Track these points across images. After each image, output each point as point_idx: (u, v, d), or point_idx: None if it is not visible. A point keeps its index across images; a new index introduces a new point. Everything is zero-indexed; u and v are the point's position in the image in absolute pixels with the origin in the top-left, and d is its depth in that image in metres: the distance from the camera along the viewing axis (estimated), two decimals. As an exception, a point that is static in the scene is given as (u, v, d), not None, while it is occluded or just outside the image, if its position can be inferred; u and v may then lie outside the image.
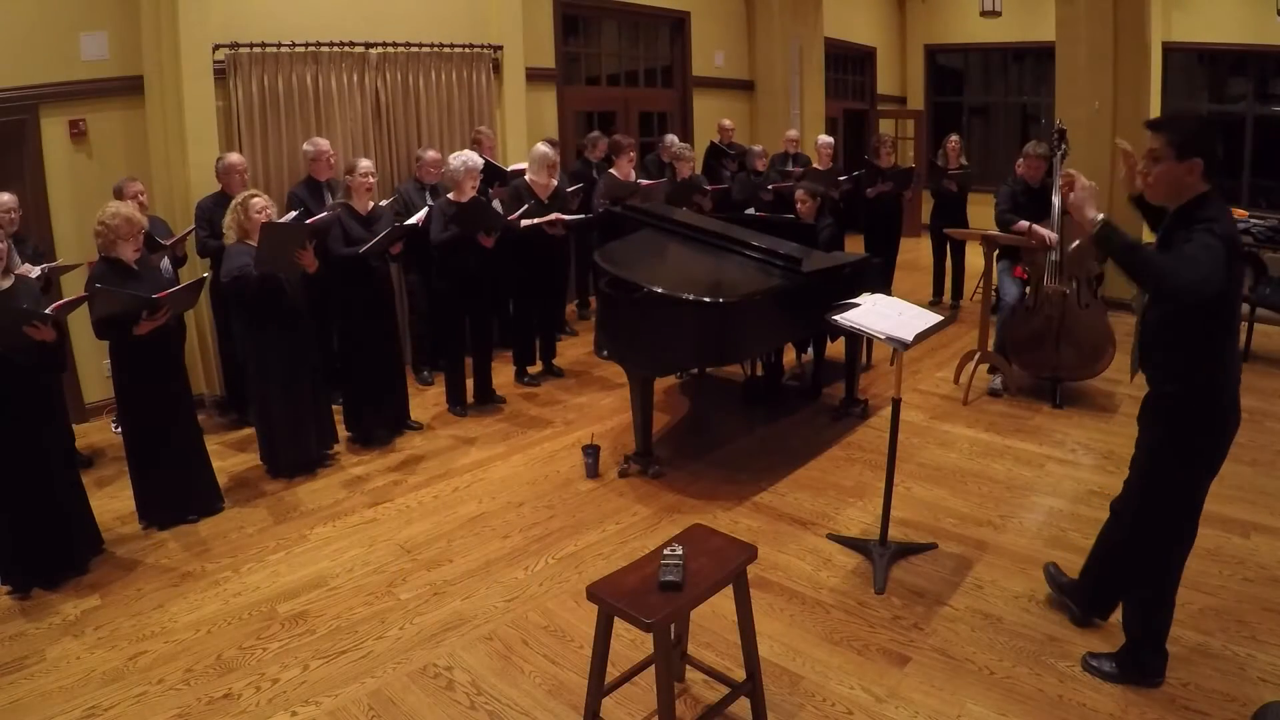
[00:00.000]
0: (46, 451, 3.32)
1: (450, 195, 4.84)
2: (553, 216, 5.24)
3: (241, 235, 3.97)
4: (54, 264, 4.37)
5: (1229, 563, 3.25)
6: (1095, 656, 2.69)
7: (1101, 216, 2.32)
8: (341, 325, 4.56)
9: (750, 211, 6.48)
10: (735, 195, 6.89)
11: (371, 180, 4.54)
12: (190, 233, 4.64)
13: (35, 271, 4.02)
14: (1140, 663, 2.59)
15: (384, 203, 5.07)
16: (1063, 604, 2.96)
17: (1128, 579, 2.66)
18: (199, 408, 4.41)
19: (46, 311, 3.17)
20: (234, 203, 4.03)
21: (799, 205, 5.11)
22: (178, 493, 3.80)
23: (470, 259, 4.85)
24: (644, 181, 6.07)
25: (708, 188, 6.46)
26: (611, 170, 6.20)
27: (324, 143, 5.09)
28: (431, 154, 5.45)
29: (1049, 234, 4.72)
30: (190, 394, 3.96)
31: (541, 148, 5.44)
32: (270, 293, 3.92)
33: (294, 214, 4.48)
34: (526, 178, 5.43)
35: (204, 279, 3.94)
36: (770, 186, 7.02)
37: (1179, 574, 2.56)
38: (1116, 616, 2.88)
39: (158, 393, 3.67)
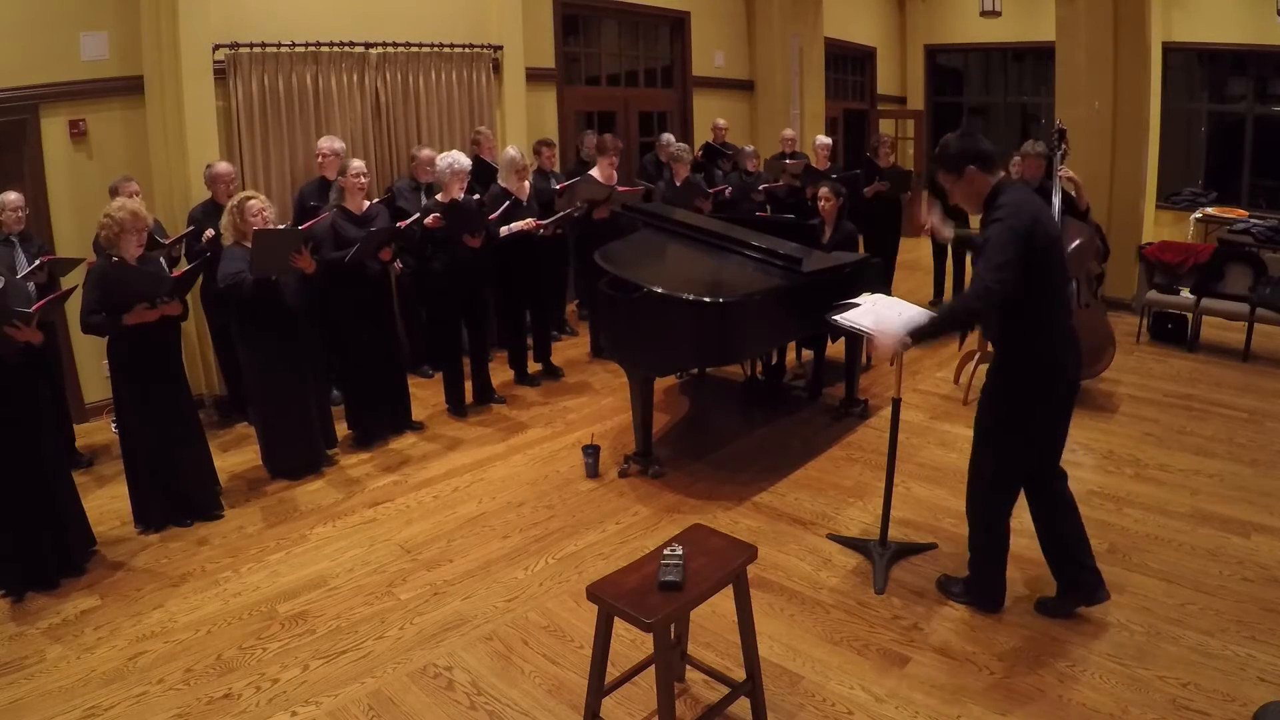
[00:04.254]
0: (42, 456, 3.31)
1: (439, 196, 4.84)
2: (529, 222, 5.17)
3: (238, 237, 3.97)
4: (53, 257, 4.34)
5: (1229, 563, 3.26)
6: (948, 578, 3.10)
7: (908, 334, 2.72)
8: (336, 327, 4.55)
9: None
10: (728, 196, 6.87)
11: (363, 180, 4.52)
12: (189, 233, 4.63)
13: (30, 268, 4.01)
14: (981, 586, 2.98)
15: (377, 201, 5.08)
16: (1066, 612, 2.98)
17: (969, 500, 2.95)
18: (199, 407, 4.40)
19: (28, 311, 3.13)
20: (230, 204, 4.02)
21: (822, 204, 5.07)
22: (176, 496, 3.78)
23: (456, 260, 4.84)
24: (621, 188, 5.93)
25: (710, 191, 6.44)
26: (591, 172, 6.00)
27: (324, 143, 5.10)
28: (426, 152, 5.43)
29: None
30: (191, 398, 3.93)
31: (510, 152, 5.38)
32: (266, 296, 3.92)
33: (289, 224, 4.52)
34: (499, 182, 5.39)
35: (205, 258, 3.95)
36: (761, 187, 7.01)
37: (1007, 522, 2.88)
38: (1106, 611, 2.89)
39: (156, 395, 3.65)
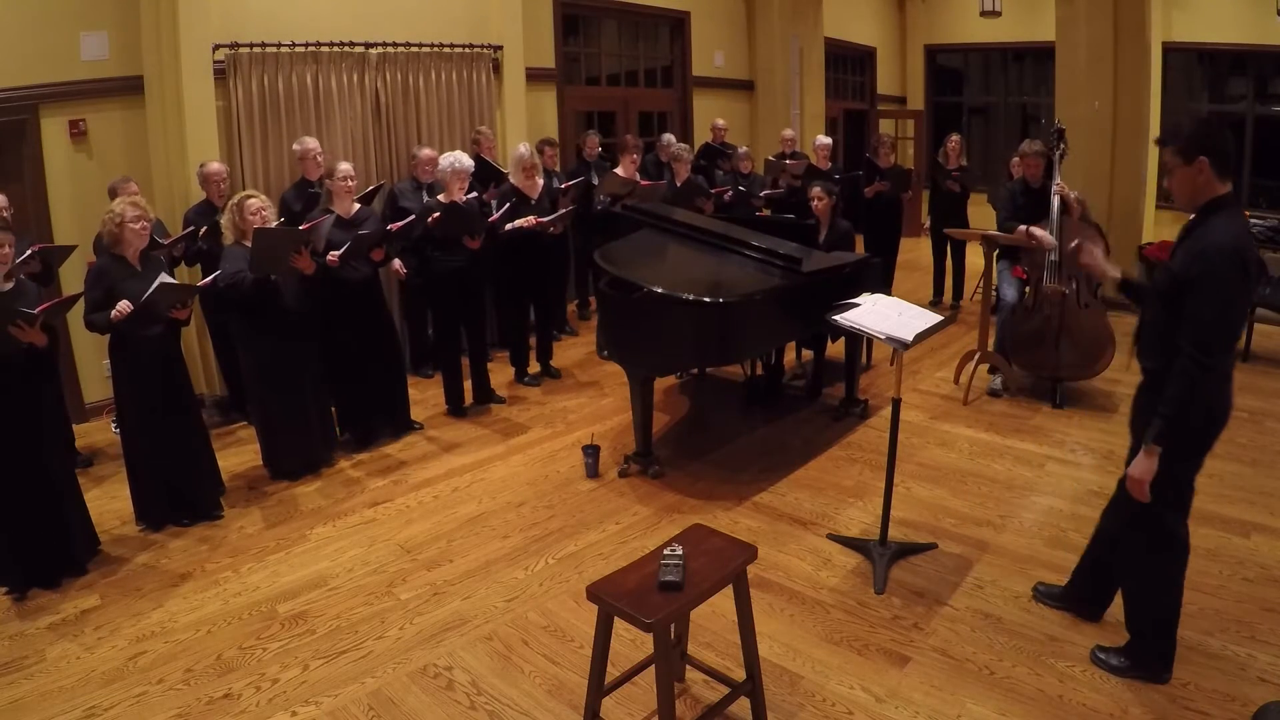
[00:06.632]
0: (44, 453, 3.31)
1: (441, 196, 4.84)
2: (528, 220, 5.16)
3: (238, 236, 3.97)
4: (46, 245, 4.30)
5: (1229, 563, 3.25)
6: (1104, 650, 2.69)
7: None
8: (333, 328, 4.53)
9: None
10: (728, 199, 6.88)
11: (350, 184, 4.47)
12: (190, 233, 4.63)
13: (23, 256, 3.98)
14: (1148, 657, 2.60)
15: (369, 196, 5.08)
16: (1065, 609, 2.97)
17: (1128, 572, 2.66)
18: (199, 407, 4.40)
19: (32, 312, 3.12)
20: (230, 203, 4.02)
21: (815, 203, 5.08)
22: (176, 495, 3.79)
23: (455, 261, 4.83)
24: (644, 182, 6.09)
25: (712, 192, 6.47)
26: (616, 170, 6.24)
27: (311, 142, 5.10)
28: (426, 152, 5.44)
29: (1048, 237, 4.73)
30: (194, 398, 3.93)
31: (520, 149, 5.42)
32: (266, 295, 3.92)
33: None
34: (510, 180, 5.42)
35: (216, 277, 3.95)
36: (763, 194, 7.03)
37: (1184, 564, 2.54)
38: (1115, 613, 2.89)
39: (157, 395, 3.66)
